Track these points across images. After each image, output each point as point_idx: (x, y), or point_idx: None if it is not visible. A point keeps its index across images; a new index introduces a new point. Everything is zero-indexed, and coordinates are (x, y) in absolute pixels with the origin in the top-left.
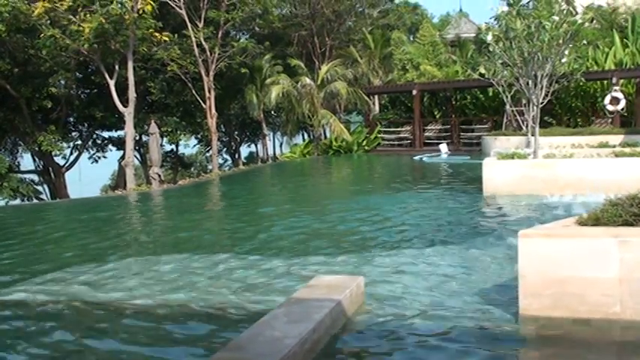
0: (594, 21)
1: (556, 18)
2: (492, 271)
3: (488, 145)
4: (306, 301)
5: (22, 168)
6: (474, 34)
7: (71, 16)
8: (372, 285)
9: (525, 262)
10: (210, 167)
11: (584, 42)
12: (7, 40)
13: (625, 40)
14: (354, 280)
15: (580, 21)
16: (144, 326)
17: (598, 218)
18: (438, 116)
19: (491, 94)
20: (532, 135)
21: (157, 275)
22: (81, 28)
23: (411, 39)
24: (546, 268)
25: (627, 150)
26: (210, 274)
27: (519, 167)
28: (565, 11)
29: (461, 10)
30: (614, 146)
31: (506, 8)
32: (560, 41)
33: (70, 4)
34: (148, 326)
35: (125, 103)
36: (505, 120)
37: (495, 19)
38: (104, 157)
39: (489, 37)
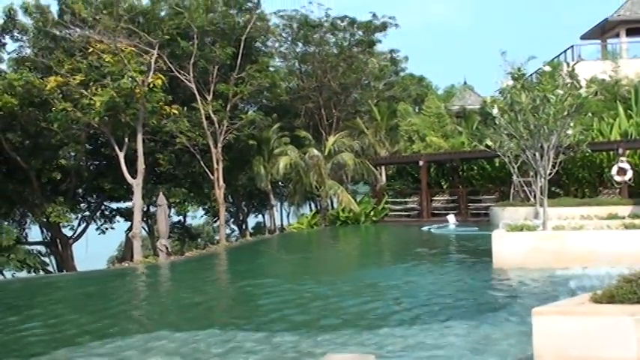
0: (598, 93)
1: (560, 91)
2: (505, 349)
3: (497, 216)
4: None
5: (30, 239)
6: (479, 106)
7: (83, 90)
8: None
9: (540, 340)
10: (217, 237)
11: (589, 114)
12: (19, 114)
13: (629, 111)
14: (365, 358)
15: (584, 94)
16: None
17: (613, 295)
18: (445, 186)
19: (497, 164)
20: (540, 206)
21: (165, 353)
22: (92, 102)
23: (417, 110)
24: (562, 347)
25: (637, 222)
26: (219, 351)
27: (529, 239)
28: (569, 85)
29: (465, 82)
30: (623, 217)
31: (510, 82)
32: (565, 113)
33: (82, 78)
34: None
35: (134, 175)
36: (512, 190)
37: (500, 92)
38: (112, 227)
39: (495, 111)
